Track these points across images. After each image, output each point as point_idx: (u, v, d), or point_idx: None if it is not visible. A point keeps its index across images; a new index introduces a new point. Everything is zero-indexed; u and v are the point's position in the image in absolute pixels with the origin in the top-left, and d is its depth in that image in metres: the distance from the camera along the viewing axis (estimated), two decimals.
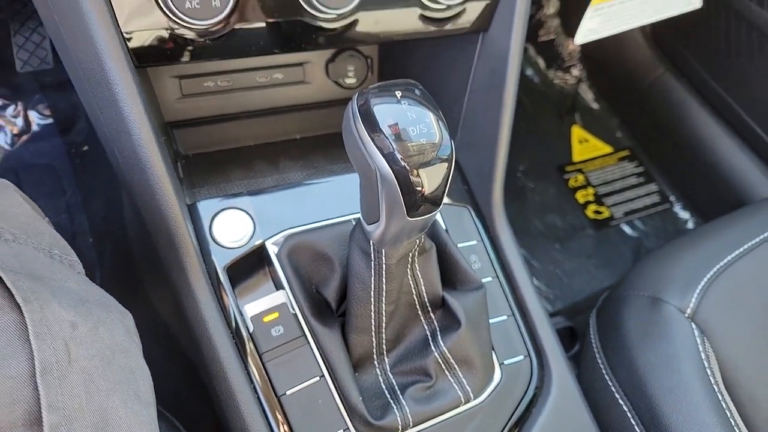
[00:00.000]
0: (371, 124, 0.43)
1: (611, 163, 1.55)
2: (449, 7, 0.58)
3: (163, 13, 0.49)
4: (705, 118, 1.38)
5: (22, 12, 1.10)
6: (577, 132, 1.58)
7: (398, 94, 0.44)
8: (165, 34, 0.51)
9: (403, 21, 0.58)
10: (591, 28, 0.81)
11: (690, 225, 1.50)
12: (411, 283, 0.55)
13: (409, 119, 0.44)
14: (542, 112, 1.61)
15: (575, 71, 1.64)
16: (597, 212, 1.45)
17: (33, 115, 1.20)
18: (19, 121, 1.19)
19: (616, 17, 0.82)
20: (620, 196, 1.49)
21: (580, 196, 1.48)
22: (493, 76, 0.64)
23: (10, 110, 1.18)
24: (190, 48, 0.53)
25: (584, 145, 1.57)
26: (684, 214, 1.49)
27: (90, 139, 1.21)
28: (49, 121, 1.21)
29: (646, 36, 1.47)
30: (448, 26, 0.60)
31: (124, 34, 0.50)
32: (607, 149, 1.57)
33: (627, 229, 1.45)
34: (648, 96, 1.50)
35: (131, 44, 0.51)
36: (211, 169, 0.69)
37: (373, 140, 0.44)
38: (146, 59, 0.52)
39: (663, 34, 1.42)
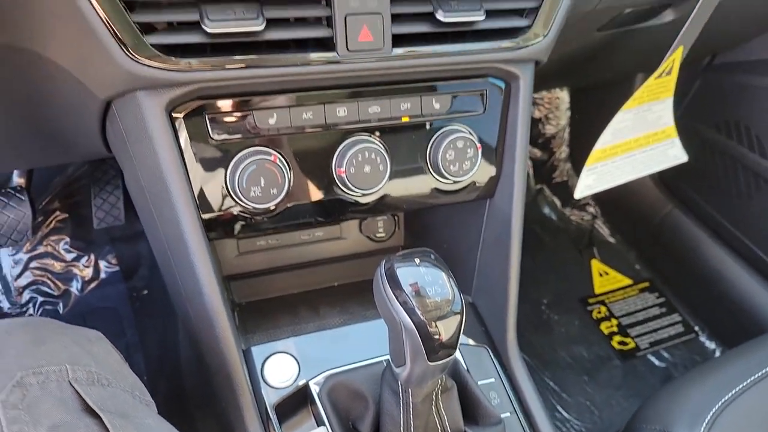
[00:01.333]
0: (395, 285, 0.54)
1: (633, 295, 1.61)
2: (458, 182, 0.71)
3: (234, 201, 0.63)
4: (716, 251, 1.46)
5: (102, 178, 1.30)
6: (596, 265, 1.67)
7: (417, 260, 0.56)
8: (234, 215, 0.64)
9: (422, 194, 0.72)
10: (587, 185, 0.94)
11: (717, 354, 1.52)
12: (436, 418, 0.63)
13: (427, 280, 0.55)
14: (562, 247, 1.71)
15: (590, 209, 1.76)
16: (622, 343, 1.49)
17: (102, 264, 1.36)
18: (90, 270, 1.35)
19: (609, 174, 0.95)
20: (644, 327, 1.53)
21: (605, 328, 1.53)
22: (500, 233, 0.76)
23: (84, 260, 1.35)
24: (250, 224, 0.66)
25: (605, 277, 1.65)
26: (710, 344, 1.52)
27: (149, 284, 1.35)
28: (116, 268, 1.37)
29: (652, 177, 1.60)
30: (459, 197, 0.73)
31: (202, 216, 0.63)
32: (627, 281, 1.64)
33: (654, 359, 1.48)
34: (660, 231, 1.60)
35: (206, 223, 0.64)
36: (261, 316, 0.80)
37: (397, 298, 0.54)
38: (218, 234, 0.66)
39: (668, 175, 1.55)
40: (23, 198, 1.15)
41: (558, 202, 1.79)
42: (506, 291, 0.76)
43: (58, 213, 1.34)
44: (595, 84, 1.56)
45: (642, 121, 0.94)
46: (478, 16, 0.62)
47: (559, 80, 1.46)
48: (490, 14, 0.64)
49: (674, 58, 0.86)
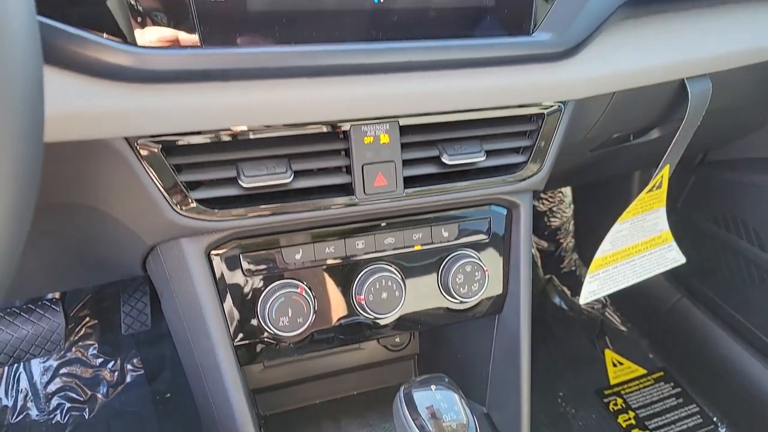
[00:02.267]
0: (413, 409, 0.59)
1: (648, 385, 1.62)
2: (468, 302, 0.77)
3: (264, 330, 0.69)
4: (727, 340, 1.48)
5: (131, 285, 1.37)
6: (609, 355, 1.69)
7: (433, 387, 0.61)
8: (264, 342, 0.71)
9: (435, 315, 0.78)
10: (591, 291, 0.99)
11: None
12: None
13: (442, 406, 0.59)
14: (574, 337, 1.74)
15: (600, 298, 1.80)
16: None
17: (128, 367, 1.41)
18: (116, 374, 1.39)
19: (611, 280, 1.00)
20: (663, 419, 1.53)
21: (623, 420, 1.53)
22: (509, 346, 0.81)
23: (110, 365, 1.40)
24: (278, 350, 0.72)
25: (619, 367, 1.66)
26: None
27: (172, 388, 1.39)
28: (140, 371, 1.42)
29: None
30: (469, 315, 0.79)
31: (235, 344, 0.69)
32: (642, 371, 1.65)
33: None
34: (671, 320, 1.63)
35: (238, 349, 0.70)
36: (286, 429, 0.84)
37: (414, 421, 0.59)
38: (248, 359, 0.72)
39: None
40: (58, 309, 1.22)
41: (568, 292, 1.83)
42: (519, 402, 0.80)
43: (87, 319, 1.41)
44: (596, 181, 1.64)
45: (638, 229, 1.00)
46: (479, 158, 0.71)
47: (559, 184, 1.55)
48: (490, 154, 0.72)
49: (662, 174, 0.94)
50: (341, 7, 0.59)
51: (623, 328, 1.76)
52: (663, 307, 1.64)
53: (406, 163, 0.69)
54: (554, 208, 1.82)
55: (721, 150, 1.47)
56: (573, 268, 1.86)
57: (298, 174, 0.65)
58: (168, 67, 0.55)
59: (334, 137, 0.66)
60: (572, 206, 1.83)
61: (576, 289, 1.82)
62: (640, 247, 1.02)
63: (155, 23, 0.54)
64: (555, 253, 1.85)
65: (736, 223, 1.41)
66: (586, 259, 1.84)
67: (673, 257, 1.07)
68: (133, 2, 0.53)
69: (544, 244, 1.84)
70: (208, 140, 0.61)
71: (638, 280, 1.03)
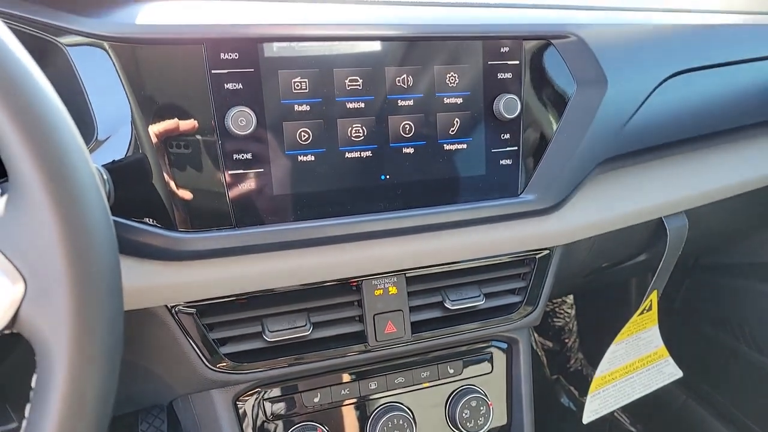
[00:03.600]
0: None
1: None
2: None
3: None
4: None
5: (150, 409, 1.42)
6: None
7: None
8: None
9: None
10: (593, 410, 1.03)
11: None
12: None
13: None
14: None
15: None
16: None
17: None
18: None
19: (612, 398, 1.05)
20: None
21: None
22: None
23: None
24: None
25: None
26: None
27: None
28: None
29: None
30: None
31: None
32: None
33: None
34: (679, 420, 1.64)
35: None
36: None
37: None
38: None
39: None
40: None
41: (576, 392, 1.85)
42: None
43: None
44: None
45: (634, 348, 1.06)
46: (478, 301, 0.78)
47: (561, 295, 1.62)
48: (488, 296, 0.79)
49: (651, 298, 1.01)
50: (353, 185, 0.69)
51: (633, 429, 1.77)
52: (670, 408, 1.66)
53: (413, 309, 0.76)
54: (557, 309, 1.88)
55: (711, 256, 1.55)
56: (579, 367, 1.88)
57: (316, 325, 0.72)
58: (206, 248, 0.64)
59: (348, 291, 0.74)
60: (574, 307, 1.89)
61: (584, 389, 1.84)
62: (637, 364, 1.08)
63: (196, 210, 0.63)
64: (560, 352, 1.88)
65: (732, 326, 1.46)
66: (592, 357, 1.87)
67: (671, 371, 1.12)
68: (176, 194, 0.62)
69: (549, 343, 1.88)
70: (236, 301, 0.69)
71: (638, 396, 1.07)
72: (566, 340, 1.88)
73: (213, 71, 0.62)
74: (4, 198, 0.38)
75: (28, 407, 0.38)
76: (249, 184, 0.65)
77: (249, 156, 0.64)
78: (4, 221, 0.37)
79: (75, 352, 0.37)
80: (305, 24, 0.65)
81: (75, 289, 0.37)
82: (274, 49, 0.64)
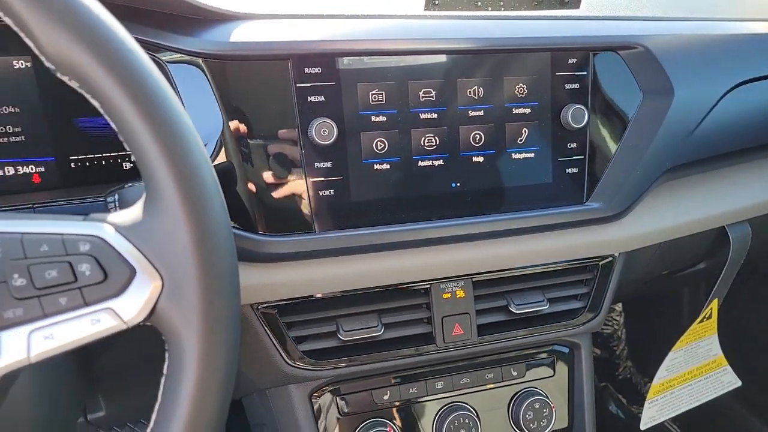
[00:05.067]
0: None
1: None
2: None
3: None
4: None
5: None
6: None
7: None
8: None
9: None
10: (650, 416, 1.04)
11: None
12: None
13: None
14: None
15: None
16: None
17: None
18: None
19: (669, 405, 1.05)
20: None
21: None
22: None
23: None
24: None
25: None
26: None
27: None
28: None
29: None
30: None
31: None
32: None
33: None
34: (729, 429, 1.61)
35: None
36: None
37: None
38: None
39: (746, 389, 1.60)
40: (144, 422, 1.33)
41: (624, 400, 1.83)
42: None
43: None
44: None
45: (693, 356, 1.06)
46: (542, 306, 0.80)
47: (616, 302, 1.61)
48: (552, 302, 0.81)
49: (712, 307, 1.01)
50: (425, 193, 0.72)
51: None
52: (726, 419, 1.63)
53: (479, 312, 0.79)
54: (606, 316, 1.86)
55: None
56: (628, 375, 1.87)
57: (387, 326, 0.75)
58: (288, 250, 0.67)
59: (418, 294, 0.77)
60: (623, 314, 1.87)
61: (632, 398, 1.82)
62: (695, 372, 1.07)
63: (279, 216, 0.67)
64: (609, 359, 1.87)
65: None
66: (640, 365, 1.85)
67: (729, 380, 1.11)
68: (262, 200, 0.66)
69: (597, 351, 1.87)
70: (314, 301, 0.73)
71: (696, 404, 1.07)
72: (615, 348, 1.87)
73: (298, 85, 0.66)
74: (141, 202, 0.43)
75: (160, 391, 0.42)
76: (328, 191, 0.68)
77: (329, 164, 0.68)
78: (143, 224, 0.41)
79: (204, 342, 0.40)
80: (382, 39, 0.69)
81: (205, 286, 0.41)
82: (354, 63, 0.68)
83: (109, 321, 0.40)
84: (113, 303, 0.40)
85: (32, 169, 0.73)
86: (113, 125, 0.42)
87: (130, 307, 0.41)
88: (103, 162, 0.75)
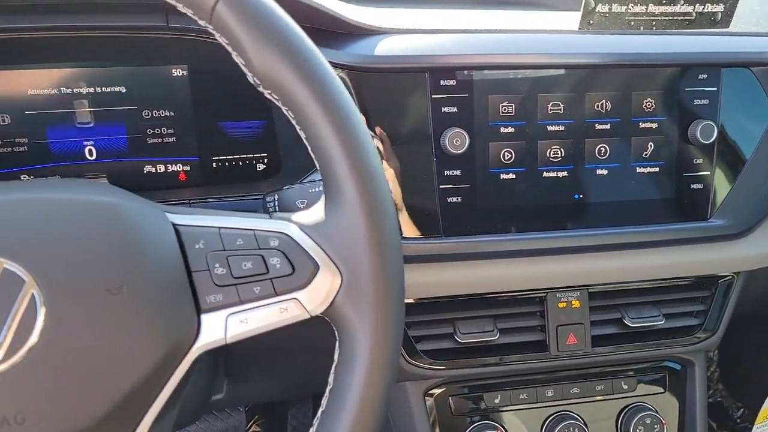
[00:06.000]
0: None
1: None
2: None
3: None
4: None
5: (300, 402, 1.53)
6: None
7: None
8: None
9: None
10: None
11: None
12: None
13: None
14: None
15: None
16: None
17: None
18: None
19: None
20: None
21: None
22: None
23: None
24: None
25: None
26: None
27: None
28: None
29: None
30: None
31: None
32: None
33: None
34: None
35: None
36: None
37: None
38: None
39: None
40: (241, 410, 1.40)
41: (714, 424, 1.76)
42: None
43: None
44: None
45: None
46: (657, 321, 0.80)
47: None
48: (667, 317, 0.81)
49: None
50: (548, 203, 0.74)
51: None
52: None
53: (593, 324, 0.80)
54: None
55: None
56: (719, 399, 1.79)
57: (502, 331, 0.77)
58: (416, 253, 0.71)
59: (533, 302, 0.79)
60: None
61: (724, 422, 1.75)
62: None
63: (410, 220, 0.71)
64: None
65: None
66: (733, 390, 1.78)
67: None
68: (395, 205, 0.70)
69: None
70: (433, 303, 0.76)
71: None
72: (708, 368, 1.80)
73: (433, 96, 0.69)
74: (322, 203, 0.47)
75: (330, 378, 0.46)
76: (456, 198, 0.71)
77: (458, 173, 0.71)
78: (325, 225, 0.45)
79: (377, 334, 0.44)
80: (513, 53, 0.71)
81: (380, 284, 0.44)
82: (486, 76, 0.70)
83: (295, 310, 0.45)
84: (299, 294, 0.45)
85: (179, 167, 0.80)
86: (302, 133, 0.46)
87: (313, 299, 0.45)
88: (240, 163, 0.81)
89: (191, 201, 0.74)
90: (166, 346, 0.42)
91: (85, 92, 0.74)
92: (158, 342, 0.41)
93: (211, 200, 0.74)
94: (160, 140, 0.78)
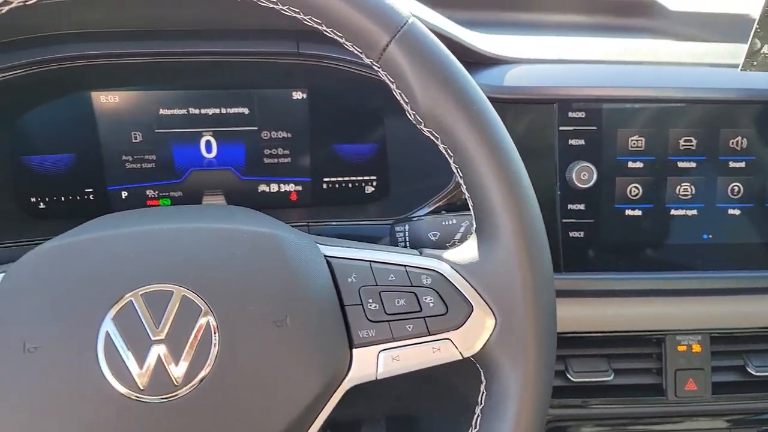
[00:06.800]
0: None
1: None
2: None
3: None
4: None
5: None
6: None
7: None
8: None
9: None
10: None
11: None
12: None
13: None
14: None
15: None
16: None
17: None
18: None
19: None
20: None
21: None
22: None
23: None
24: None
25: None
26: None
27: None
28: None
29: None
30: None
31: None
32: None
33: None
34: None
35: None
36: None
37: None
38: None
39: None
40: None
41: None
42: None
43: None
44: None
45: None
46: None
47: None
48: None
49: None
50: (674, 242, 0.71)
51: None
52: None
53: (715, 370, 0.75)
54: None
55: None
56: None
57: (617, 372, 0.74)
58: None
59: (650, 343, 0.75)
60: None
61: None
62: None
63: None
64: None
65: None
66: None
67: None
68: None
69: None
70: None
71: None
72: None
73: (561, 128, 0.68)
74: (474, 241, 0.46)
75: (476, 420, 0.45)
76: (578, 233, 0.69)
77: (582, 207, 0.69)
78: (480, 264, 0.45)
79: (531, 379, 0.43)
80: (646, 87, 0.69)
81: (537, 328, 0.43)
82: (616, 109, 0.68)
83: (448, 351, 0.44)
84: (452, 335, 0.44)
85: (292, 187, 0.81)
86: (458, 171, 0.45)
87: (465, 340, 0.44)
88: (350, 185, 0.82)
89: (310, 224, 0.74)
90: (326, 378, 0.42)
91: (210, 113, 0.76)
92: (319, 373, 0.41)
93: (333, 223, 0.75)
94: (276, 160, 0.79)
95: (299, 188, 0.81)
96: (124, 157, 0.75)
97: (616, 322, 0.73)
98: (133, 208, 0.78)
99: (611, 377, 0.73)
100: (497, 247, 0.44)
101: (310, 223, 0.74)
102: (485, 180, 0.44)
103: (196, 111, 0.76)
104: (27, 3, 0.41)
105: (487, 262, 0.44)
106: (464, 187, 0.46)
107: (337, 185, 0.82)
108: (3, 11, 0.40)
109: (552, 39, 0.78)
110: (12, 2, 0.40)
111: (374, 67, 0.44)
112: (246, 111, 0.77)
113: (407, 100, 0.44)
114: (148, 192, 0.78)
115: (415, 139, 0.82)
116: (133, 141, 0.75)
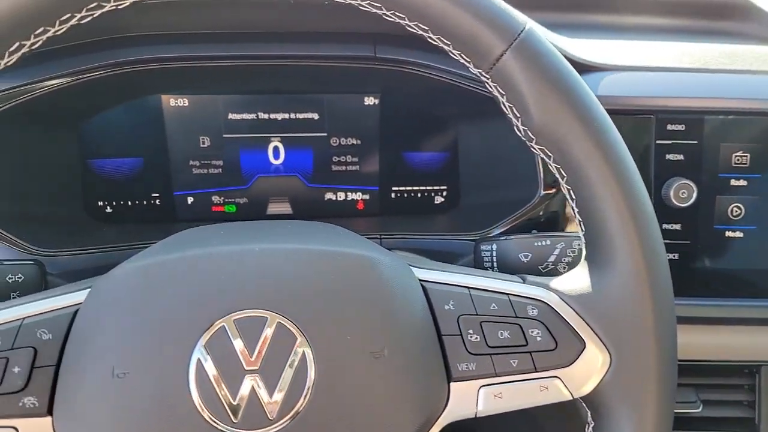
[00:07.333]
0: None
1: None
2: None
3: None
4: None
5: None
6: None
7: None
8: None
9: None
10: None
11: None
12: None
13: None
14: None
15: None
16: None
17: None
18: None
19: None
20: None
21: None
22: None
23: None
24: None
25: None
26: None
27: None
28: None
29: None
30: None
31: None
32: None
33: None
34: None
35: None
36: None
37: None
38: None
39: None
40: None
41: None
42: None
43: None
44: None
45: None
46: None
47: None
48: None
49: None
50: (755, 267, 0.65)
51: None
52: None
53: None
54: None
55: None
56: None
57: (705, 403, 0.69)
58: None
59: (742, 374, 0.70)
60: None
61: None
62: None
63: None
64: None
65: None
66: None
67: None
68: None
69: None
70: None
71: None
72: None
73: (657, 141, 0.63)
74: (584, 269, 0.42)
75: None
76: (673, 256, 0.64)
77: (678, 227, 0.64)
78: (593, 295, 0.40)
79: (650, 423, 0.39)
80: (752, 98, 0.63)
81: (657, 368, 0.39)
82: (719, 122, 0.63)
83: (557, 390, 0.40)
84: (561, 372, 0.40)
85: (359, 196, 0.78)
86: (570, 191, 0.41)
87: (576, 379, 0.40)
88: (419, 195, 0.79)
89: (382, 237, 0.71)
90: (423, 414, 0.38)
91: (280, 118, 0.74)
92: (417, 409, 0.38)
93: (405, 237, 0.72)
94: (344, 168, 0.76)
95: (366, 197, 0.78)
96: (191, 162, 0.74)
97: (708, 350, 0.68)
98: (198, 214, 0.78)
99: (699, 409, 0.68)
100: (613, 277, 0.40)
101: (382, 236, 0.71)
102: (603, 203, 0.40)
103: (265, 116, 0.73)
104: (119, 6, 0.38)
105: (602, 293, 0.40)
106: (576, 210, 0.42)
107: (405, 194, 0.78)
108: (95, 15, 0.38)
109: (638, 44, 0.73)
110: (105, 6, 0.38)
111: (482, 77, 0.41)
112: (316, 116, 0.74)
113: (519, 115, 0.40)
114: (213, 198, 0.76)
115: (489, 149, 0.79)
116: (201, 146, 0.73)
